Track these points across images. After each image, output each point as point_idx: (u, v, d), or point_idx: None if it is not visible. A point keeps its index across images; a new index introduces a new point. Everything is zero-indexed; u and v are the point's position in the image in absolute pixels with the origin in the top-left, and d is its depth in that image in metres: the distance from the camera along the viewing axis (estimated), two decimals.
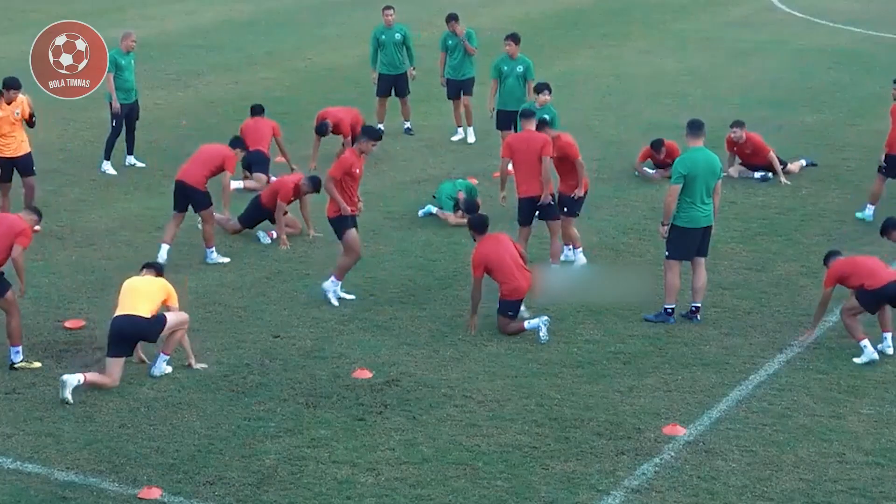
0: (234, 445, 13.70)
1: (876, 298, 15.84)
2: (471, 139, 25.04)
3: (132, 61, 23.10)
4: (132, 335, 14.94)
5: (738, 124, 22.90)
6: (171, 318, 15.15)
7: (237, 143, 19.96)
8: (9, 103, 19.55)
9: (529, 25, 36.06)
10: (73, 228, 20.23)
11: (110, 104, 23.02)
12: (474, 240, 16.91)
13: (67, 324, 16.70)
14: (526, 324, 16.33)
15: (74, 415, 14.30)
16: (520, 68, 23.21)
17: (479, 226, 16.95)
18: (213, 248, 18.81)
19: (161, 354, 15.20)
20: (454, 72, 25.19)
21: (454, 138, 25.18)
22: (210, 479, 13.05)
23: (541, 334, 16.17)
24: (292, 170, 22.25)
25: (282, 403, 14.64)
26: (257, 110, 23.13)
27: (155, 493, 12.78)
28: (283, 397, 14.79)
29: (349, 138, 22.92)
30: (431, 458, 13.48)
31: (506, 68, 23.26)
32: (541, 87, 20.77)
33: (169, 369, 15.24)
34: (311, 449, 13.64)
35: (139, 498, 12.73)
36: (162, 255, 18.51)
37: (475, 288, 16.46)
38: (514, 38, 23.55)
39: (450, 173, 22.75)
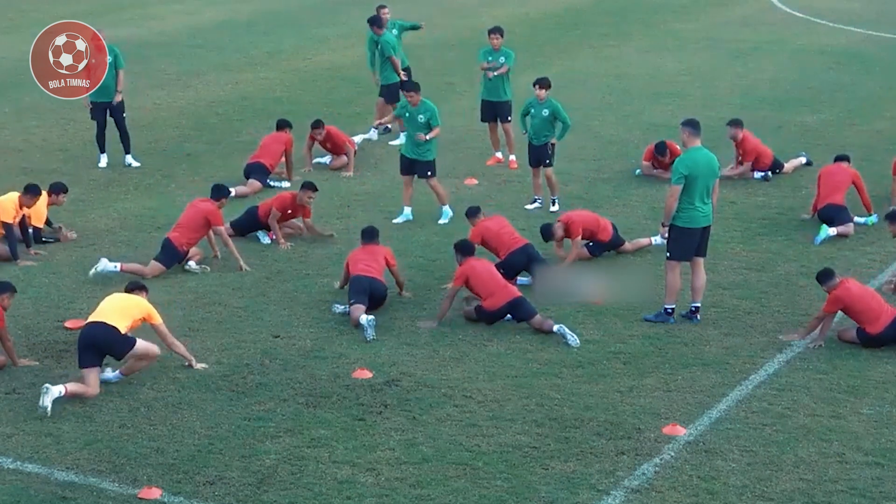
0: (234, 445, 13.70)
1: (875, 342, 16.10)
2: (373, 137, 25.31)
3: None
4: (101, 344, 14.75)
5: (732, 123, 22.92)
6: (142, 345, 14.99)
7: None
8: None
9: (529, 25, 36.12)
10: (73, 228, 20.23)
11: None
12: (458, 262, 16.99)
13: (67, 324, 16.70)
14: (556, 327, 16.38)
15: (74, 415, 14.30)
16: (502, 59, 23.52)
17: (464, 249, 17.21)
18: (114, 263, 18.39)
19: (118, 371, 15.09)
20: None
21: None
22: (210, 479, 13.05)
23: (569, 340, 16.19)
24: (290, 181, 22.29)
25: (282, 403, 14.64)
26: (280, 125, 23.07)
27: (155, 493, 12.78)
28: (283, 397, 14.79)
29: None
30: (431, 458, 13.48)
31: (490, 59, 23.65)
32: (536, 82, 20.94)
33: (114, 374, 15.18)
34: (311, 449, 13.64)
35: (139, 498, 12.73)
36: (193, 266, 18.63)
37: (449, 296, 16.81)
38: (498, 30, 23.81)
39: (449, 173, 22.76)
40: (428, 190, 20.81)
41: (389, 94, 24.83)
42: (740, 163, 22.95)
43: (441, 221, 20.61)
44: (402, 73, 24.92)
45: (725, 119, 23.76)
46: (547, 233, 18.86)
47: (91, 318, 15.01)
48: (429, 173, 20.63)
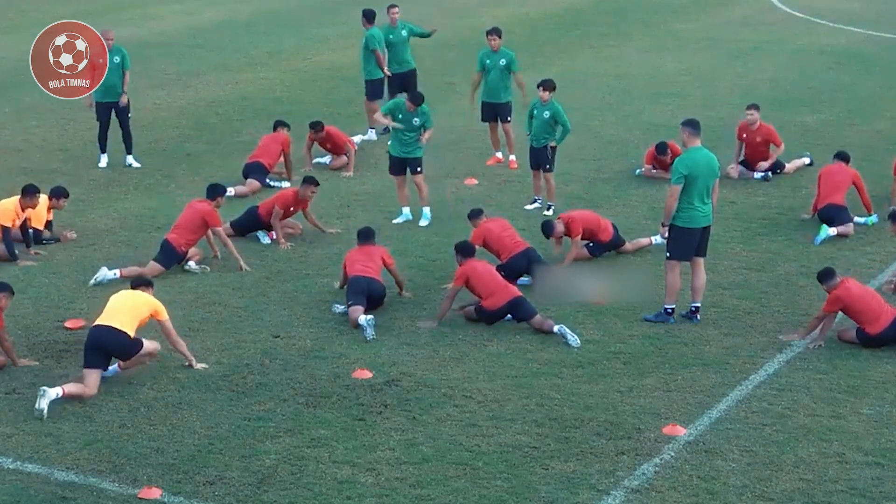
0: (234, 445, 13.70)
1: (875, 342, 16.08)
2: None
3: (114, 59, 22.55)
4: (110, 348, 14.79)
5: (754, 107, 22.92)
6: (148, 345, 15.05)
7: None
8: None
9: (529, 25, 36.12)
10: (73, 228, 20.23)
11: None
12: (459, 263, 17.00)
13: (67, 324, 16.70)
14: (556, 327, 16.37)
15: (74, 415, 14.30)
16: (502, 61, 23.48)
17: (464, 250, 17.22)
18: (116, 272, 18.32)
19: (117, 367, 15.12)
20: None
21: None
22: (210, 479, 13.05)
23: (570, 340, 16.17)
24: (290, 181, 22.29)
25: (282, 403, 14.64)
26: (276, 125, 23.10)
27: (155, 493, 12.78)
28: (283, 397, 14.79)
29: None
30: (431, 458, 13.48)
31: (489, 61, 23.60)
32: (540, 83, 20.91)
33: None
34: (311, 449, 13.64)
35: (139, 498, 12.74)
36: (193, 266, 18.60)
37: (449, 296, 16.83)
38: (496, 31, 23.78)
39: (449, 173, 22.77)
40: None
41: (373, 89, 24.82)
42: (741, 162, 22.93)
43: (422, 223, 20.54)
44: (388, 70, 25.02)
45: (725, 119, 23.80)
46: (547, 228, 18.88)
47: (100, 320, 14.97)
48: (419, 169, 20.66)
